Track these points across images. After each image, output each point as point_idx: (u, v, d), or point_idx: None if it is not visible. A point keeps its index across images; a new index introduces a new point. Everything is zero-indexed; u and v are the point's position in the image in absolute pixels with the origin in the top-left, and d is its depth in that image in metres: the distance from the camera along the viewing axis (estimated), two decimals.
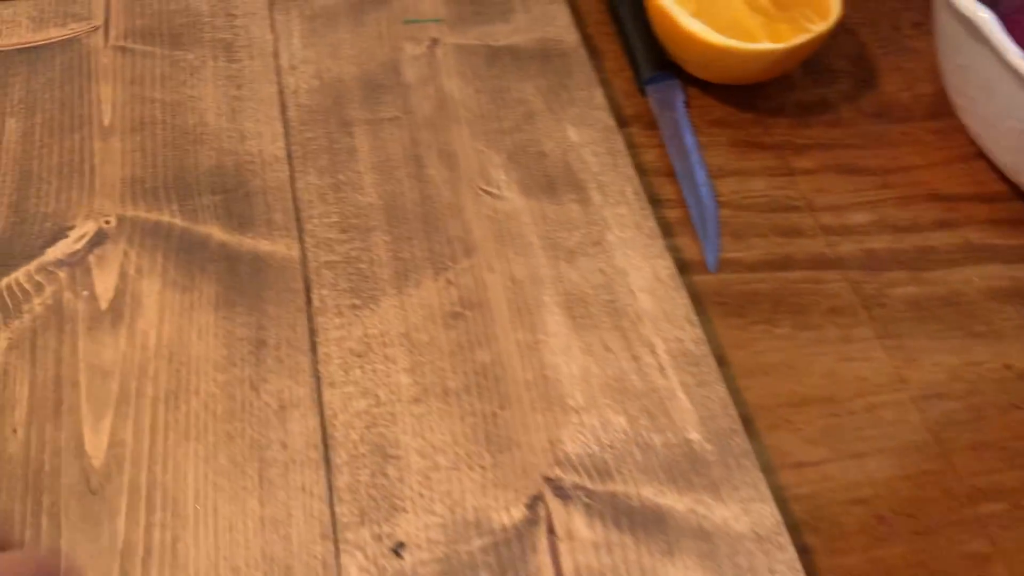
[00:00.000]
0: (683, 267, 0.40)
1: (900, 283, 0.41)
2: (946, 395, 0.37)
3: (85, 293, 0.36)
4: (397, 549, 0.30)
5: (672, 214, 0.43)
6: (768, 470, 0.34)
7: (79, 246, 0.37)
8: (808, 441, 0.36)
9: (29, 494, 0.31)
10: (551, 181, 0.41)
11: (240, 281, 0.37)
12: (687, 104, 0.47)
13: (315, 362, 0.35)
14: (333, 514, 0.31)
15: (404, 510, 0.31)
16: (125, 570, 0.30)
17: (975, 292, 0.41)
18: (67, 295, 0.36)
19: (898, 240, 0.43)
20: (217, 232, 0.38)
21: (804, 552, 0.33)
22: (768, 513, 0.32)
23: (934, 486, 0.35)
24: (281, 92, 0.43)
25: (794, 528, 0.33)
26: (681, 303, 0.37)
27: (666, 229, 0.42)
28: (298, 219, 0.39)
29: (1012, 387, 0.38)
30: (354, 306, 0.36)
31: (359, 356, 0.35)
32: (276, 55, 0.45)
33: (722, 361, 0.37)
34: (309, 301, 0.36)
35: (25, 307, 0.36)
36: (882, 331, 0.39)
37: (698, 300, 0.39)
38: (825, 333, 0.39)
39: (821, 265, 0.41)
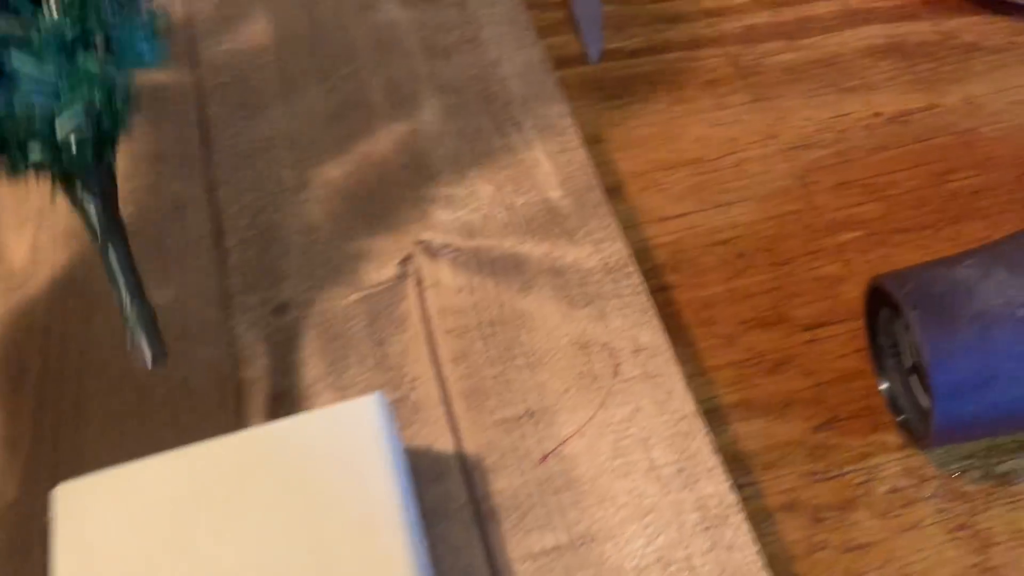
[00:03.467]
0: (565, 61, 0.42)
1: (777, 52, 0.42)
2: (814, 144, 0.39)
3: None
4: (279, 309, 0.34)
5: (555, 15, 0.44)
6: (632, 226, 0.36)
7: None
8: (674, 198, 0.38)
9: None
10: None
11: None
12: None
13: (209, 167, 0.38)
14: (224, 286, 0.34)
15: (287, 277, 0.34)
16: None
17: (851, 52, 0.42)
18: None
19: (778, 14, 0.43)
20: None
21: (665, 289, 0.35)
22: (617, 249, 0.34)
23: (795, 223, 0.37)
24: None
25: (656, 270, 0.35)
26: (549, 84, 0.39)
27: (550, 29, 0.43)
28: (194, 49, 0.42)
29: (880, 131, 0.39)
30: (244, 117, 0.39)
31: (248, 157, 0.38)
32: None
33: (597, 139, 0.39)
34: (203, 120, 0.39)
35: None
36: (756, 95, 0.41)
37: (578, 90, 0.41)
38: (700, 104, 0.41)
39: (700, 44, 0.43)
